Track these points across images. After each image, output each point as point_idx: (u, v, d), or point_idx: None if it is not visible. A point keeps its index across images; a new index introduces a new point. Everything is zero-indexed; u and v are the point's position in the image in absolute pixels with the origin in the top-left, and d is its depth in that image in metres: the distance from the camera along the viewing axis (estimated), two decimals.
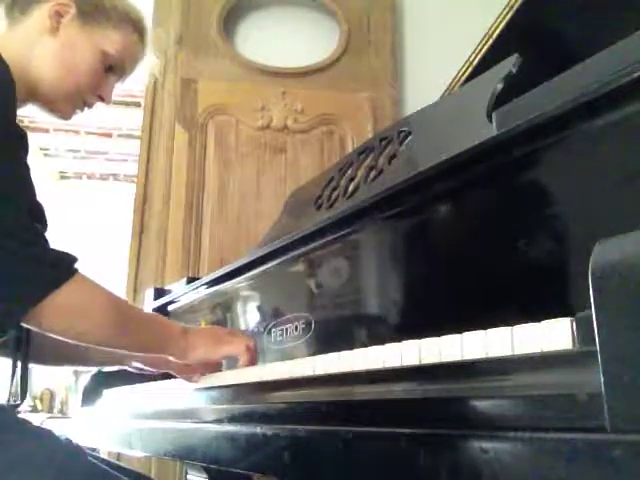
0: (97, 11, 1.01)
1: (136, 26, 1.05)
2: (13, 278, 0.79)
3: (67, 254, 0.84)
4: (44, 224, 0.98)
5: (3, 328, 0.94)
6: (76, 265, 0.84)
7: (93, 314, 0.86)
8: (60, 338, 0.86)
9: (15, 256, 0.78)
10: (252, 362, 0.96)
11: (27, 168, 0.89)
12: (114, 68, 1.04)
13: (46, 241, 0.84)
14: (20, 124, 0.88)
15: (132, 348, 0.96)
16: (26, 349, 1.02)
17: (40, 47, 0.98)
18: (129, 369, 1.19)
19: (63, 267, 0.82)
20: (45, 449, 0.82)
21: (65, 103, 1.01)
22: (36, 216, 0.95)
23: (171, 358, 0.96)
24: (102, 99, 1.05)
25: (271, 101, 2.49)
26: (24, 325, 0.85)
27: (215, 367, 1.04)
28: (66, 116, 1.04)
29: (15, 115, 0.87)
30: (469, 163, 0.74)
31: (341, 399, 0.64)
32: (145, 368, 1.15)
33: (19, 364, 1.03)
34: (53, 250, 0.83)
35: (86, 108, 1.06)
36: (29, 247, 0.80)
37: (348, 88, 2.54)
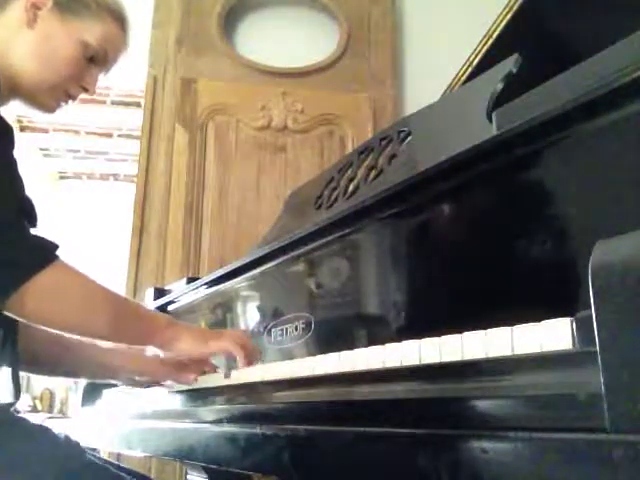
0: (75, 1, 0.99)
1: (116, 15, 1.03)
2: None
3: (48, 240, 0.83)
4: (34, 219, 0.96)
5: None
6: (57, 252, 0.83)
7: (75, 298, 0.85)
8: (44, 327, 0.85)
9: None
10: (249, 357, 0.91)
11: (13, 162, 0.87)
12: (96, 59, 1.02)
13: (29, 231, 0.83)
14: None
15: (115, 335, 0.92)
16: (13, 347, 0.98)
17: (19, 41, 0.96)
18: (119, 383, 1.17)
19: (44, 252, 0.82)
20: (45, 447, 0.82)
21: (48, 96, 0.99)
22: (25, 211, 0.93)
23: (155, 349, 0.94)
24: (86, 90, 1.03)
25: (271, 101, 2.48)
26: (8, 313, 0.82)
27: (210, 367, 1.01)
28: (50, 109, 1.02)
29: None
30: (469, 163, 0.74)
31: (341, 399, 0.64)
32: (136, 379, 1.13)
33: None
34: (34, 236, 0.83)
35: (70, 100, 1.04)
36: (10, 232, 0.79)
37: (348, 88, 2.54)
